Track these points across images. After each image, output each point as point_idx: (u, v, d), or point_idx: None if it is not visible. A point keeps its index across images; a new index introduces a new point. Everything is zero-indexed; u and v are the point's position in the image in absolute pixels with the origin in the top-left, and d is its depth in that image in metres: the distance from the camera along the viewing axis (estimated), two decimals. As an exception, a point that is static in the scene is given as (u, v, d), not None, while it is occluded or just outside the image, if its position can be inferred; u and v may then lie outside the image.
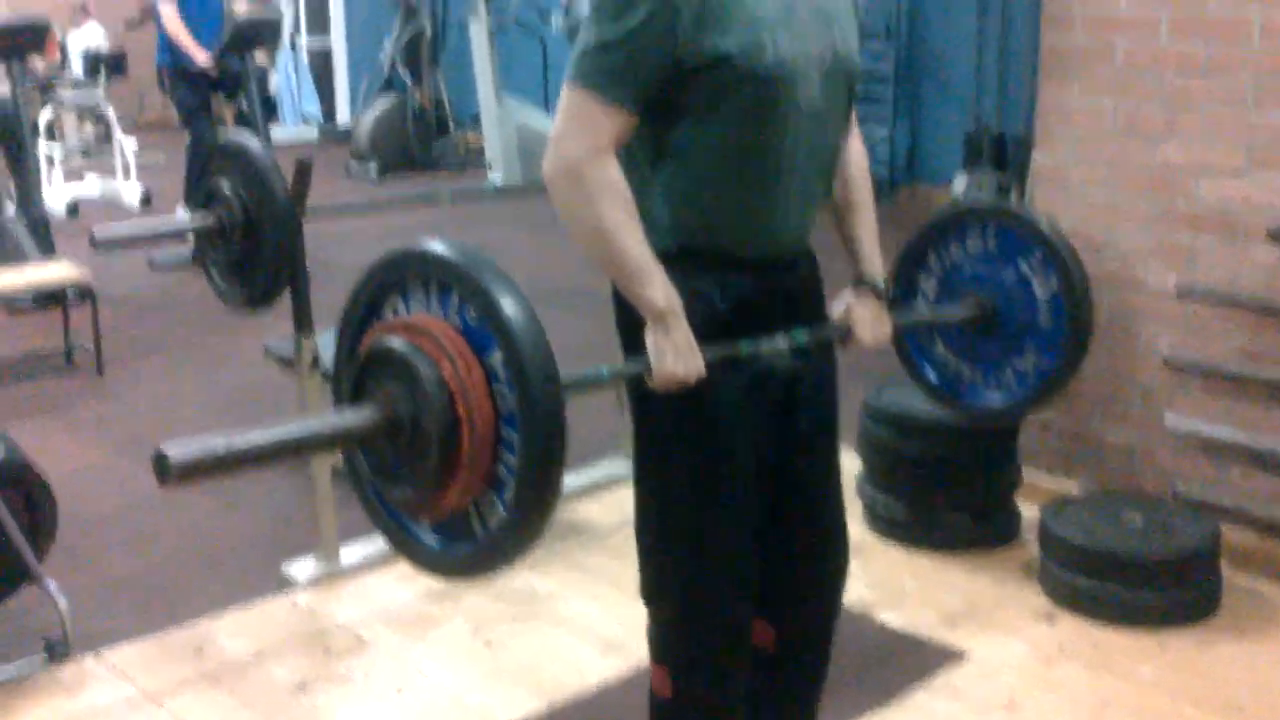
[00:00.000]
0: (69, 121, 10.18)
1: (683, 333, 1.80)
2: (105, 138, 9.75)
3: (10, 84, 6.40)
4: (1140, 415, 3.67)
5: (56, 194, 7.99)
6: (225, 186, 3.23)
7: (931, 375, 2.68)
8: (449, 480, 1.65)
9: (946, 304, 2.60)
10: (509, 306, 1.61)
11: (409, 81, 10.02)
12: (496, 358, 1.62)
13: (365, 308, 1.82)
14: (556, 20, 8.68)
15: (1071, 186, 3.80)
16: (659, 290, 1.79)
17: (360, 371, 1.74)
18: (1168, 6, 3.55)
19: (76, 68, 10.32)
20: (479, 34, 8.68)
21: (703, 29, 1.76)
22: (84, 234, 3.47)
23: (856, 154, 2.14)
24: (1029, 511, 3.58)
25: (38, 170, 6.81)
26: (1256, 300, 3.39)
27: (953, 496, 3.55)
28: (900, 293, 2.65)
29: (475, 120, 9.53)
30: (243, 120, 7.37)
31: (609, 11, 1.77)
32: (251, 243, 3.23)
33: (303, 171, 3.24)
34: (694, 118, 1.83)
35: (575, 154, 1.80)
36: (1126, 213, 3.68)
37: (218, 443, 1.56)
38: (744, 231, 1.91)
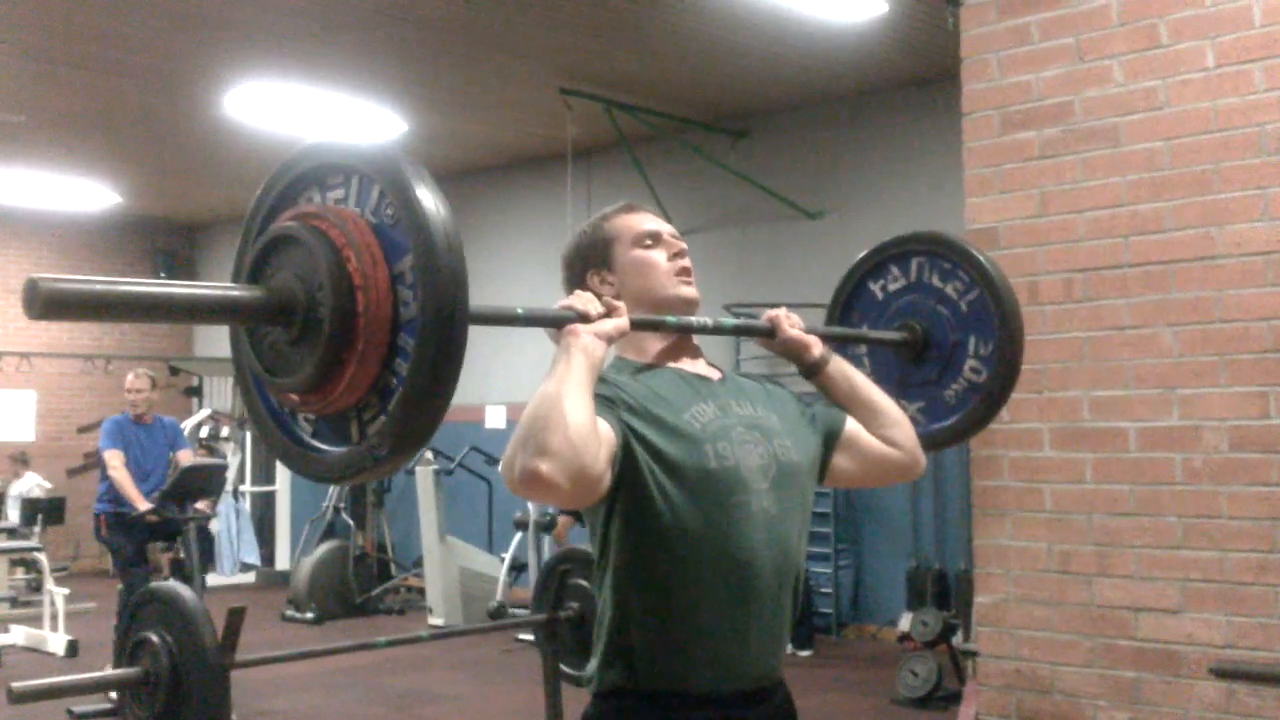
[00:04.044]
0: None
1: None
2: (36, 587, 9.56)
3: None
4: None
5: (-23, 644, 7.70)
6: (153, 637, 3.13)
7: None
8: (336, 374, 1.56)
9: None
10: (428, 204, 1.53)
11: (352, 526, 10.06)
12: (407, 262, 1.54)
13: (278, 195, 1.72)
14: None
15: (1014, 626, 3.79)
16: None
17: (260, 254, 1.64)
18: (1090, 450, 3.70)
19: (13, 515, 10.28)
20: (425, 478, 8.84)
21: (646, 426, 1.78)
22: (2, 685, 3.31)
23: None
24: None
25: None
26: (1216, 742, 3.31)
27: None
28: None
29: (418, 563, 9.50)
30: (179, 568, 7.28)
31: None
32: (176, 697, 3.09)
33: (234, 620, 3.17)
34: (644, 511, 1.77)
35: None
36: (1070, 651, 3.66)
37: (95, 282, 1.45)
38: (701, 656, 1.79)
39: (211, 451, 10.61)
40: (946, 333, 2.46)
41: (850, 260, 2.57)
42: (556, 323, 1.76)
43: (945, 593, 7.39)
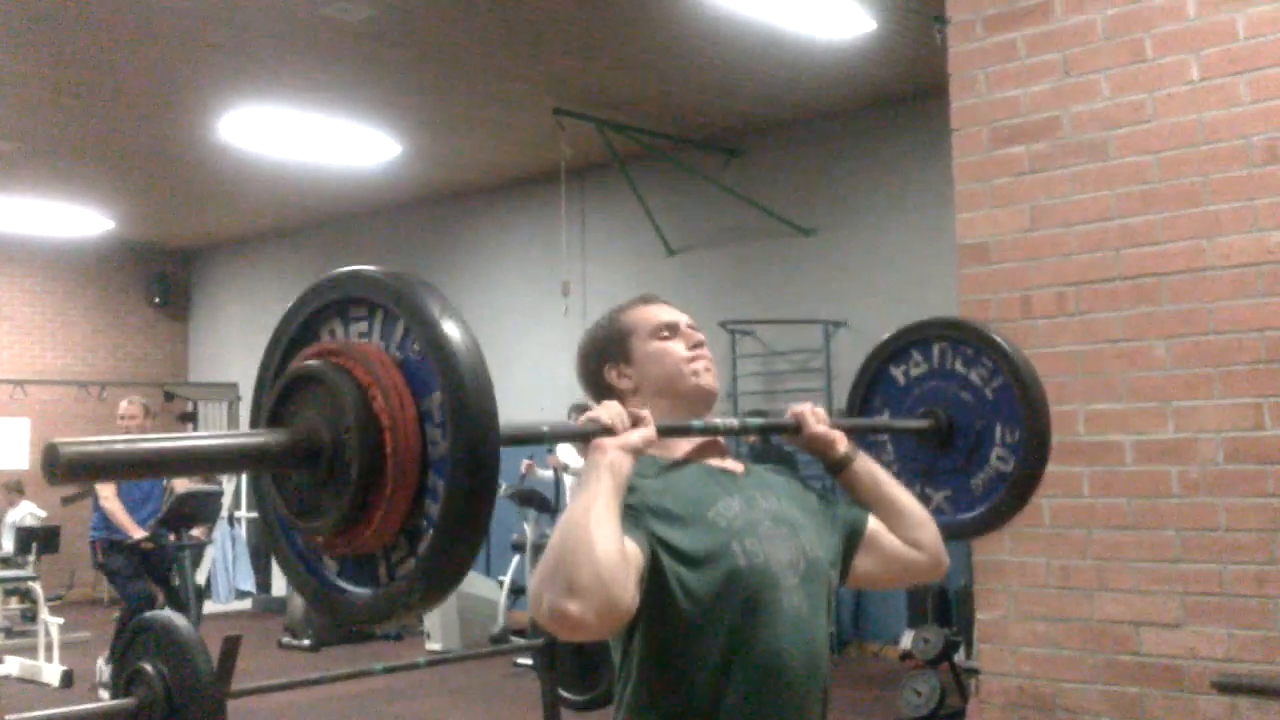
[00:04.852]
0: (-6, 599, 9.95)
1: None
2: (30, 616, 9.51)
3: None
4: None
5: (-28, 674, 7.66)
6: (148, 667, 3.11)
7: None
8: (364, 517, 1.52)
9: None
10: (455, 341, 1.49)
11: (349, 551, 10.04)
12: (435, 399, 1.50)
13: (298, 329, 1.67)
14: (503, 486, 8.86)
15: (1015, 642, 3.77)
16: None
17: (281, 395, 1.59)
18: (1087, 464, 3.69)
19: (7, 544, 10.24)
20: (420, 503, 8.81)
21: (671, 529, 1.75)
22: (-6, 720, 3.29)
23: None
24: None
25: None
26: (1218, 756, 3.29)
27: None
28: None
29: (414, 588, 9.46)
30: (173, 595, 7.24)
31: None
32: (170, 727, 3.07)
33: (229, 649, 3.15)
34: (669, 612, 1.74)
35: None
36: (1072, 667, 3.64)
37: (116, 441, 1.41)
38: None
39: (207, 478, 10.58)
40: (972, 420, 2.40)
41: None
42: (584, 437, 1.73)
43: (947, 610, 7.36)
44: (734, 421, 1.98)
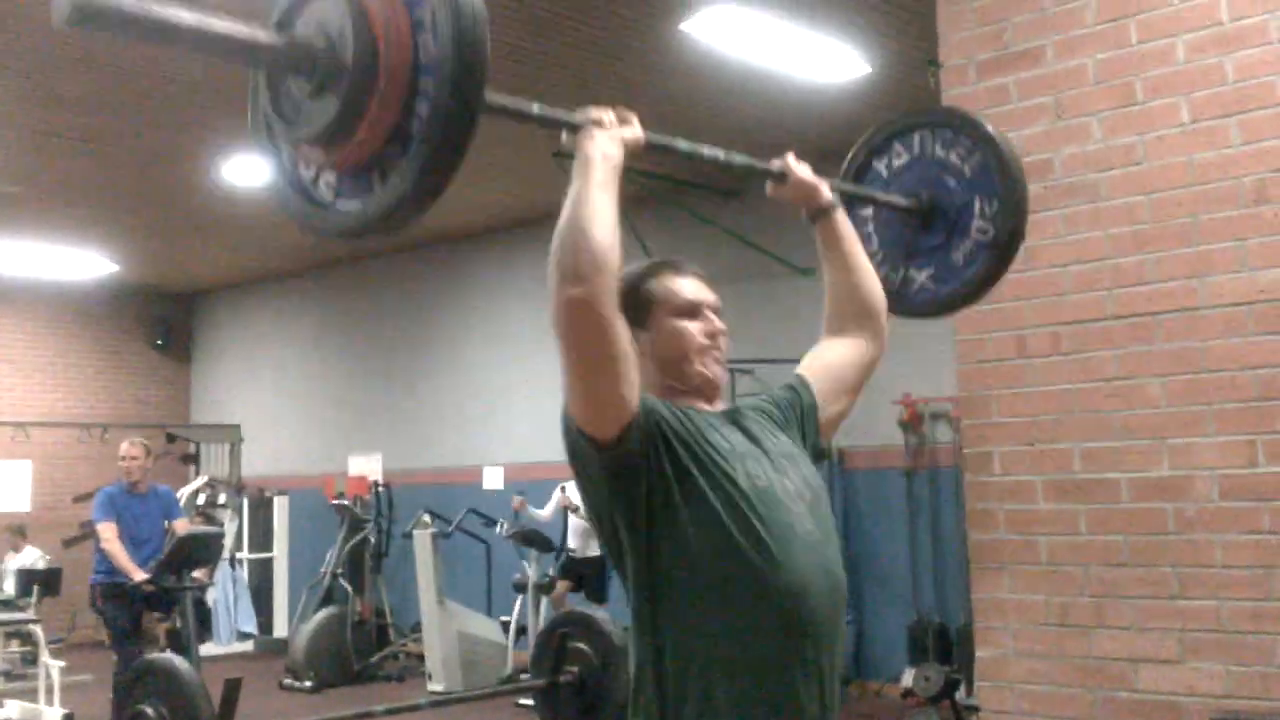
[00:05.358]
0: (-5, 642, 9.92)
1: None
2: (31, 659, 9.48)
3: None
4: None
5: (-28, 719, 7.64)
6: (149, 711, 3.13)
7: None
8: (355, 124, 1.60)
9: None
10: None
11: (350, 591, 10.02)
12: (427, 6, 1.59)
13: None
14: (502, 526, 8.86)
15: (1014, 680, 3.79)
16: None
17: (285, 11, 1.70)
18: (1084, 502, 3.72)
19: (9, 587, 10.22)
20: (423, 541, 8.81)
21: (681, 446, 1.79)
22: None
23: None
24: None
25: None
26: (1218, 794, 3.30)
27: None
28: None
29: (417, 628, 9.44)
30: (175, 638, 7.23)
31: None
32: (172, 769, 3.08)
33: (231, 691, 3.16)
34: (684, 541, 1.75)
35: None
36: (1071, 704, 3.65)
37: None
38: (759, 700, 1.72)
39: (209, 519, 10.58)
40: (952, 198, 2.50)
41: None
42: (570, 125, 1.81)
43: (947, 647, 7.35)
44: (720, 153, 2.04)
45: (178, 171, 8.41)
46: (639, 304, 1.93)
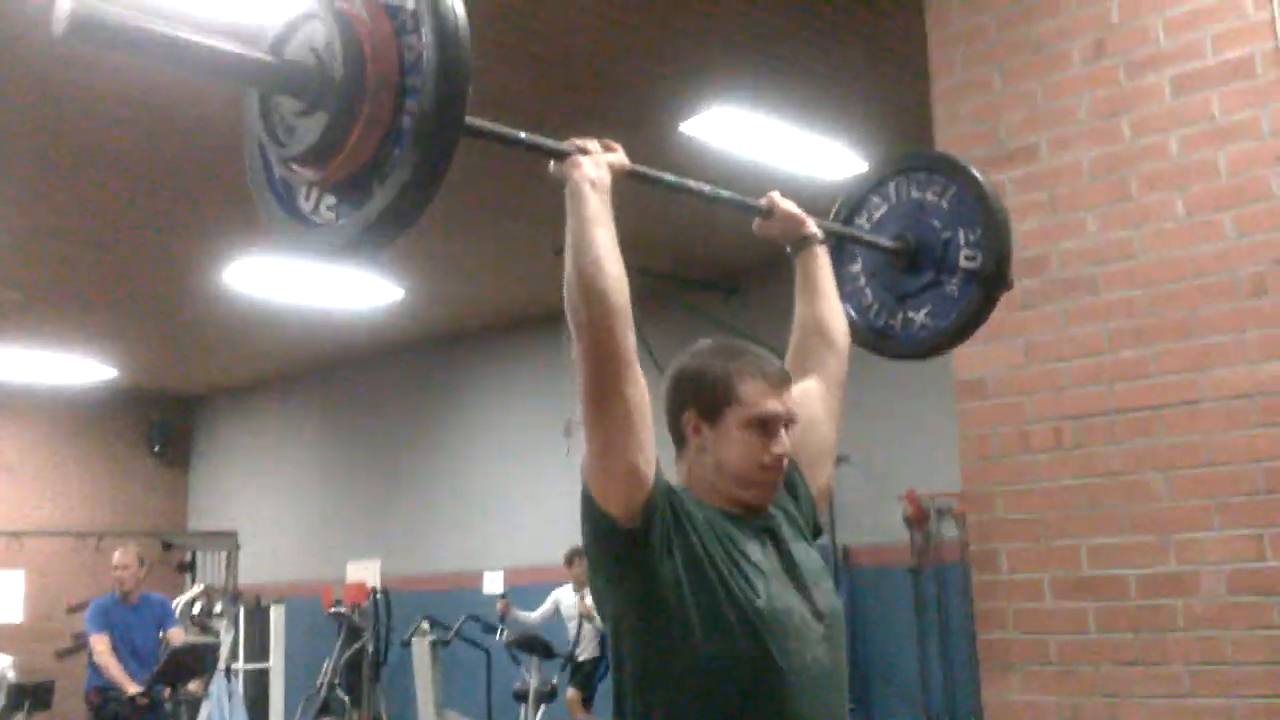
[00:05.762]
0: (-20, 764, 9.68)
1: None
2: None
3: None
4: None
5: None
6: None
7: (859, 319, 2.64)
8: (350, 124, 1.65)
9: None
10: None
11: (347, 702, 9.83)
12: (407, 7, 1.67)
13: None
14: (502, 633, 8.73)
15: (1028, 785, 3.69)
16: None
17: (285, 28, 1.75)
18: (1092, 599, 3.66)
19: (-1, 700, 10.01)
20: (421, 649, 8.67)
21: (701, 549, 1.75)
22: None
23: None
24: None
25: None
26: None
27: None
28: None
29: (414, 738, 9.26)
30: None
31: None
32: None
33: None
34: (681, 645, 1.70)
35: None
36: (1089, 811, 3.55)
37: (128, 15, 1.54)
38: None
39: (204, 629, 10.42)
40: (937, 234, 2.54)
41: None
42: (557, 153, 1.86)
43: (957, 751, 7.20)
44: (705, 187, 2.10)
45: (180, 278, 8.46)
46: (715, 400, 1.87)
